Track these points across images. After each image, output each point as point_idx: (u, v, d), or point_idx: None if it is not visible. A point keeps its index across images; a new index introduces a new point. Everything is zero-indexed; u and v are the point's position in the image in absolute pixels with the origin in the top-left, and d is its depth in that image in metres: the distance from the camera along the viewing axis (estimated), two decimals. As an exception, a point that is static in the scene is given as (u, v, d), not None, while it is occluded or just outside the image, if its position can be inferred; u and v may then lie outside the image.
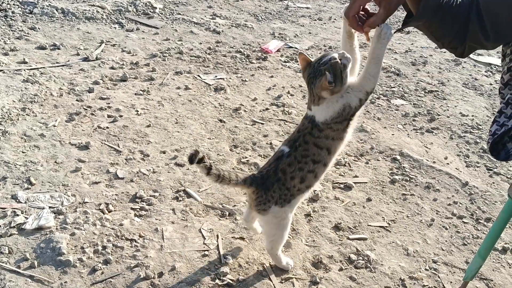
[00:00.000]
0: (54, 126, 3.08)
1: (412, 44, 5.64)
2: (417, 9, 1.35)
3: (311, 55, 4.89)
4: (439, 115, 3.96)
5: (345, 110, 1.80)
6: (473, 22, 1.32)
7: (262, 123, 3.49)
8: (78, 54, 4.18)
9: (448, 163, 3.27)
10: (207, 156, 1.83)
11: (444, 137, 3.64)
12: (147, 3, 5.65)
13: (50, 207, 2.37)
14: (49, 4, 5.12)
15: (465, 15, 1.34)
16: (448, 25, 1.37)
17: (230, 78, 4.16)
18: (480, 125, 3.85)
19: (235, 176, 1.92)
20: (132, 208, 2.46)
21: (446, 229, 2.63)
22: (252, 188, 1.96)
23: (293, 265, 2.19)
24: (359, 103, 1.81)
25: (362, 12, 1.47)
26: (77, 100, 3.42)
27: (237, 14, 5.92)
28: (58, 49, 4.24)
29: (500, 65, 1.40)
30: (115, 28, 4.95)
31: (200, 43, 4.83)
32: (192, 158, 1.77)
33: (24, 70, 3.70)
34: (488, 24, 1.28)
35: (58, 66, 3.91)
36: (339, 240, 2.44)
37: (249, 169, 2.93)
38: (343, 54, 1.75)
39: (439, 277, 2.28)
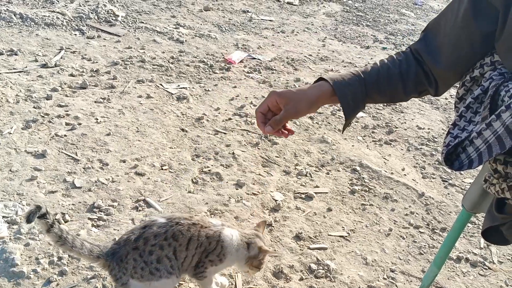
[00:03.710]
0: (10, 133, 2.98)
1: (371, 58, 5.78)
2: (344, 111, 1.37)
3: (274, 67, 4.94)
4: (397, 127, 4.07)
5: None
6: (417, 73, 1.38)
7: (224, 133, 3.48)
8: (36, 61, 4.07)
9: (405, 174, 3.35)
10: (51, 215, 1.69)
11: (402, 149, 3.74)
12: (109, 11, 5.58)
13: (3, 216, 2.28)
14: (7, 9, 4.97)
15: (399, 73, 1.39)
16: (391, 94, 1.41)
17: (193, 88, 4.14)
18: (436, 138, 3.97)
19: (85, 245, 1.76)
20: (89, 218, 2.40)
21: (403, 238, 2.69)
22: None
23: None
24: None
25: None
26: (34, 107, 3.33)
27: (201, 24, 5.92)
28: (16, 55, 4.12)
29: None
30: (76, 35, 4.86)
31: (163, 52, 4.80)
32: (30, 217, 1.62)
33: (-22, 75, 3.57)
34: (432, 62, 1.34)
35: (15, 72, 3.79)
36: (300, 249, 2.46)
37: (211, 178, 2.92)
38: None
39: (396, 286, 2.32)
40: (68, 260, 2.10)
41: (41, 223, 1.68)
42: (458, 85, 1.34)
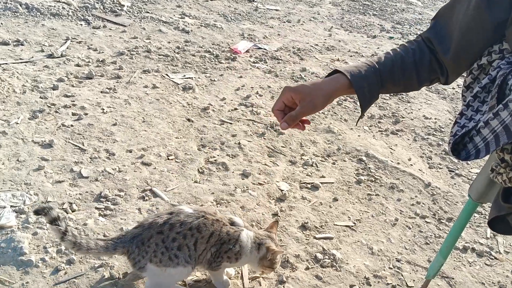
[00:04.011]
0: (17, 123, 2.99)
1: (378, 48, 5.74)
2: (361, 104, 1.35)
3: (280, 57, 4.92)
4: (403, 117, 4.05)
5: None
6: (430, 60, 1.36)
7: (230, 123, 3.48)
8: (42, 51, 4.08)
9: (411, 164, 3.34)
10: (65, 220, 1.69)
11: (408, 139, 3.72)
12: (115, 1, 5.57)
13: (11, 206, 2.30)
14: (13, -1, 4.97)
15: (412, 61, 1.36)
16: (405, 84, 1.39)
17: (198, 78, 4.14)
18: (443, 128, 3.95)
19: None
20: (96, 208, 2.42)
21: (410, 228, 2.69)
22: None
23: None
24: None
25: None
26: (40, 98, 3.34)
27: (207, 14, 5.90)
28: (22, 45, 4.12)
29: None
30: (81, 25, 4.86)
31: (169, 42, 4.79)
32: (38, 211, 1.68)
33: (-15, 65, 3.59)
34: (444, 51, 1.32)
35: (21, 63, 3.80)
36: (306, 239, 2.46)
37: (217, 168, 2.92)
38: None
39: (402, 275, 2.33)
40: (76, 249, 2.12)
41: (53, 230, 1.72)
42: (466, 74, 1.33)
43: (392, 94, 4.44)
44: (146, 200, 2.54)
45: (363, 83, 1.30)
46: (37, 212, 1.70)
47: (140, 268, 1.82)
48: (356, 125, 1.32)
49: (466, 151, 1.23)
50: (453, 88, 4.85)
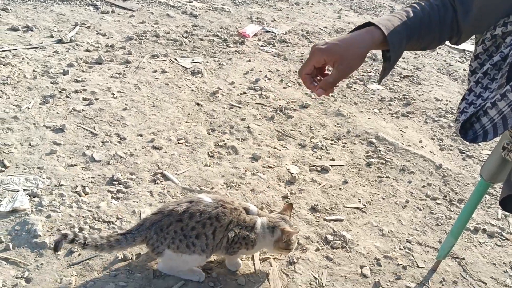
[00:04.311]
0: (28, 108, 3.02)
1: (388, 30, 5.68)
2: (392, 60, 1.27)
3: (289, 40, 4.89)
4: (414, 99, 4.02)
5: None
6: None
7: (239, 107, 3.48)
8: (52, 36, 4.09)
9: (422, 147, 3.33)
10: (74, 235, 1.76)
11: (419, 121, 3.70)
12: (123, -15, 5.54)
13: (24, 189, 2.33)
14: (21, -15, 4.97)
15: (439, 17, 1.31)
16: (426, 42, 1.32)
17: (207, 62, 4.13)
18: (454, 110, 3.92)
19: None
20: (109, 191, 2.44)
21: (420, 210, 2.69)
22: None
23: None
24: None
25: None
26: (51, 83, 3.35)
27: (215, -3, 5.86)
28: (31, 30, 4.14)
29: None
30: (90, 10, 4.85)
31: (177, 27, 4.78)
32: (57, 246, 1.72)
33: (-4, 51, 3.60)
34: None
35: (31, 48, 3.82)
36: (316, 221, 2.47)
37: (226, 152, 2.93)
38: None
39: (413, 256, 2.33)
40: (89, 231, 2.15)
41: (76, 245, 1.78)
42: (475, 41, 1.30)
43: (401, 76, 4.41)
44: (158, 183, 2.56)
45: (396, 39, 1.22)
46: (56, 249, 1.74)
47: (158, 253, 1.87)
48: (379, 83, 1.22)
49: (473, 131, 1.21)
50: (464, 70, 4.79)
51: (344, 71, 1.20)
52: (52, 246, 1.77)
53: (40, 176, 2.44)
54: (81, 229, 2.14)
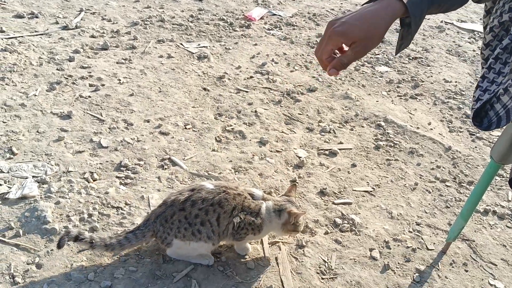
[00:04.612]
0: (35, 95, 3.02)
1: (396, 11, 5.60)
2: (412, 32, 1.19)
3: (295, 23, 4.84)
4: (423, 81, 3.98)
5: None
6: None
7: (246, 91, 3.46)
8: (57, 23, 4.07)
9: (431, 129, 3.30)
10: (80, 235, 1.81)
11: (428, 103, 3.66)
12: (127, -30, 5.49)
13: (33, 176, 2.34)
14: (25, -29, 4.94)
15: None
16: (448, 5, 1.22)
17: (213, 46, 4.10)
18: (463, 91, 3.88)
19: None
20: (117, 177, 2.44)
21: (429, 192, 2.67)
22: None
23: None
24: None
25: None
26: (57, 69, 3.35)
27: (220, -19, 5.80)
28: (36, 17, 4.12)
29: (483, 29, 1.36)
30: (95, -5, 4.82)
31: (182, 11, 4.73)
32: (61, 243, 1.78)
33: (2, 39, 3.59)
34: None
35: (37, 35, 3.81)
36: (325, 205, 2.47)
37: (234, 137, 2.92)
38: None
39: (422, 238, 2.32)
40: (98, 217, 2.16)
41: (81, 244, 1.82)
42: (484, 30, 1.28)
43: (409, 58, 4.36)
44: (165, 168, 2.55)
45: (417, 9, 1.13)
46: (59, 246, 1.79)
47: (167, 244, 1.89)
48: (396, 54, 1.15)
49: (488, 119, 1.19)
50: (474, 51, 4.73)
51: (360, 53, 1.13)
52: (57, 246, 1.81)
53: (48, 163, 2.45)
54: (90, 215, 2.15)
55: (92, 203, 2.23)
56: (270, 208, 1.96)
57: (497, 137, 2.29)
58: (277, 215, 1.95)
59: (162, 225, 1.86)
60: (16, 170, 2.36)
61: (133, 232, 1.90)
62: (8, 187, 2.25)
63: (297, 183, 2.59)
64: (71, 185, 2.32)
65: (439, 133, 3.25)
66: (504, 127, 1.68)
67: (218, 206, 1.86)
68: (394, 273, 2.11)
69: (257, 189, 2.08)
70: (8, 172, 2.35)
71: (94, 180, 2.39)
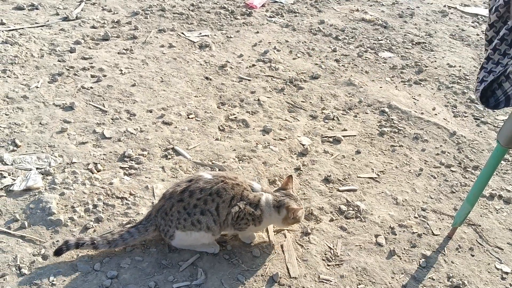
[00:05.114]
0: (37, 87, 3.01)
1: (398, -4, 5.55)
2: None
3: (297, 10, 4.80)
4: (426, 66, 3.94)
5: None
6: None
7: (249, 80, 3.44)
8: (57, 14, 4.05)
9: (436, 114, 3.27)
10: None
11: (432, 88, 3.63)
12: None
13: (37, 168, 2.34)
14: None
15: None
16: None
17: (214, 35, 4.07)
18: (468, 76, 3.84)
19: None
20: (121, 167, 2.44)
21: (435, 178, 2.66)
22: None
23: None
24: None
25: None
26: (58, 61, 3.33)
27: (220, -31, 5.75)
28: (37, 9, 4.10)
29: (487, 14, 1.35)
30: (94, -14, 4.78)
31: (183, 0, 4.70)
32: (58, 252, 1.82)
33: (2, 31, 3.58)
34: None
35: (37, 27, 3.79)
36: (329, 192, 2.46)
37: (237, 125, 2.91)
38: None
39: (428, 224, 2.32)
40: (103, 207, 2.15)
41: (84, 248, 1.87)
42: (490, 9, 1.26)
43: (413, 43, 4.32)
44: (169, 158, 2.55)
45: None
46: (57, 254, 1.84)
47: (170, 236, 1.90)
48: None
49: (495, 98, 1.18)
50: (477, 35, 4.68)
51: None
52: (54, 253, 1.84)
53: (52, 155, 2.45)
54: (95, 206, 2.15)
55: (96, 194, 2.23)
56: (270, 202, 1.96)
57: (503, 121, 2.26)
58: (276, 210, 1.95)
59: (163, 219, 1.87)
60: (20, 162, 2.36)
61: (136, 227, 1.91)
62: (12, 179, 2.25)
63: (301, 171, 2.57)
64: (75, 176, 2.32)
65: (444, 118, 3.23)
66: (510, 112, 1.66)
67: (217, 195, 1.86)
68: (400, 259, 2.10)
69: (256, 182, 2.08)
70: (12, 164, 2.34)
71: (98, 171, 2.39)
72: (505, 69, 1.15)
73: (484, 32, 1.29)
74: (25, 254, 1.89)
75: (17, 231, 1.99)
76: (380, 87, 3.54)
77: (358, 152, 2.80)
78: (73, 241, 1.83)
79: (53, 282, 1.79)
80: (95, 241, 1.84)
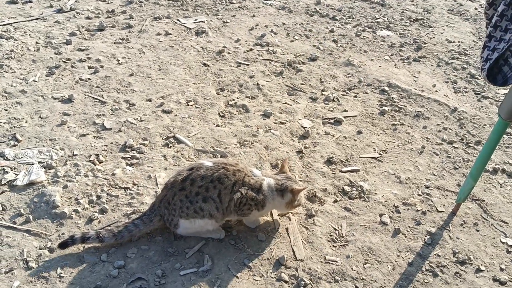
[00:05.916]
0: (35, 81, 2.99)
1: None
2: None
3: (293, -9, 4.75)
4: (425, 43, 3.91)
5: None
6: None
7: (247, 64, 3.42)
8: (51, 6, 4.01)
9: (436, 91, 3.26)
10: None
11: (432, 65, 3.61)
12: None
13: (39, 162, 2.34)
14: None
15: None
16: None
17: (210, 21, 4.04)
18: (467, 51, 3.81)
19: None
20: (123, 158, 2.44)
21: (437, 155, 2.65)
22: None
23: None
24: None
25: None
26: (55, 53, 3.31)
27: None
28: (30, 2, 4.06)
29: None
30: (87, -24, 4.73)
31: (177, -14, 4.65)
32: (63, 245, 1.84)
33: (-4, 26, 3.55)
34: None
35: (32, 20, 3.76)
36: (332, 173, 2.46)
37: (237, 111, 2.90)
38: None
39: (432, 201, 2.32)
40: (107, 198, 2.16)
41: (90, 242, 1.88)
42: None
43: (411, 20, 4.28)
44: (171, 147, 2.54)
45: None
46: (62, 247, 1.85)
47: (174, 225, 1.91)
48: None
49: (502, 75, 1.18)
50: (476, 9, 4.63)
51: None
52: (59, 246, 1.86)
53: (53, 148, 2.44)
54: (99, 197, 2.15)
55: (100, 185, 2.23)
56: (272, 187, 1.96)
57: (504, 95, 2.25)
58: (280, 194, 1.95)
59: (166, 208, 1.88)
60: (21, 157, 2.36)
61: (140, 218, 1.92)
62: (15, 174, 2.25)
63: (304, 153, 2.57)
64: (77, 169, 2.32)
65: (444, 95, 3.21)
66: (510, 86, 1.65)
67: (218, 182, 1.86)
68: (405, 236, 2.11)
69: (256, 169, 2.08)
70: (13, 159, 2.34)
71: (100, 162, 2.38)
72: (508, 45, 1.13)
73: (484, 10, 1.27)
74: (32, 248, 1.90)
75: (23, 226, 2.00)
76: (380, 66, 3.52)
77: (359, 132, 2.79)
78: (78, 236, 1.84)
79: (61, 274, 1.80)
80: (100, 235, 1.85)
